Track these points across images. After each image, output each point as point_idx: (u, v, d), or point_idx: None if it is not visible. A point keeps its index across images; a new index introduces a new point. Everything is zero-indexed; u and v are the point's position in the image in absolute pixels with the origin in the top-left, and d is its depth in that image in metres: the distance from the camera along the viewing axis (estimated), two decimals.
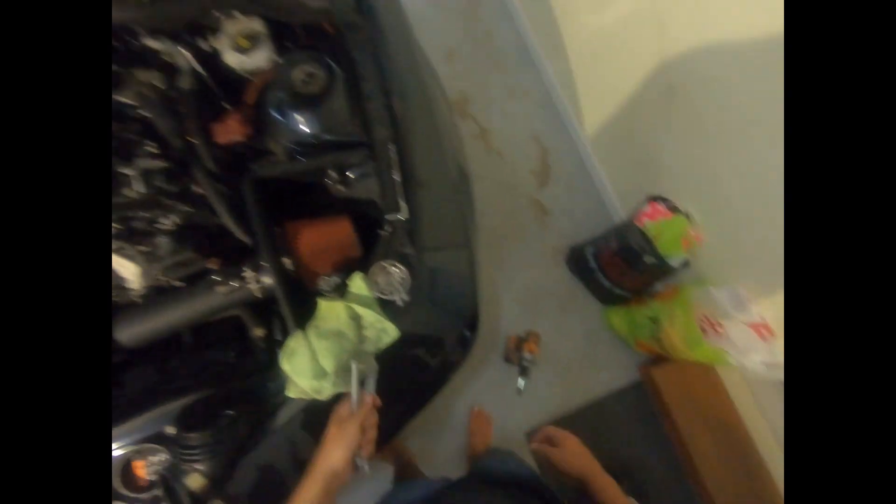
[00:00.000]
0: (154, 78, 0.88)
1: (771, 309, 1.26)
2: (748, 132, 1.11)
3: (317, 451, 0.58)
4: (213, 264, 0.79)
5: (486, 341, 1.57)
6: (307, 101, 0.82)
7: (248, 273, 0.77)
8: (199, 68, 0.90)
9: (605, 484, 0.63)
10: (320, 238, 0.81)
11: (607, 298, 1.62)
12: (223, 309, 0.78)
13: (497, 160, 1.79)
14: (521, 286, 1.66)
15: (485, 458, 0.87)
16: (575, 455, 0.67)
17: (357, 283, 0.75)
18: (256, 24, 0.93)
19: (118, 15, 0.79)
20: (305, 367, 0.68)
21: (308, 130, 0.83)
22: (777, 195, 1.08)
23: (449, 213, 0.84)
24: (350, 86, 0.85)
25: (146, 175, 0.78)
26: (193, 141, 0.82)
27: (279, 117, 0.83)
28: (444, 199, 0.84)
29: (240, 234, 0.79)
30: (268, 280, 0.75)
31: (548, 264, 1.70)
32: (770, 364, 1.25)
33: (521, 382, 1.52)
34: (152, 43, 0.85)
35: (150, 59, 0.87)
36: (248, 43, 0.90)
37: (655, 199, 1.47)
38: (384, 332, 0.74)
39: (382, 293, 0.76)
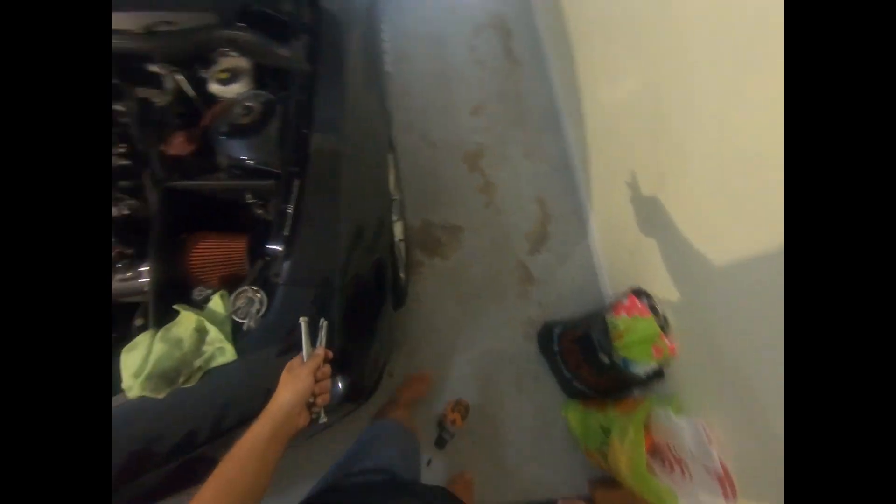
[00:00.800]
0: (153, 94, 1.06)
1: (734, 463, 1.02)
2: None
3: (273, 394, 0.59)
4: (121, 253, 0.89)
5: (425, 399, 1.49)
6: (240, 130, 0.91)
7: (144, 269, 0.86)
8: (190, 91, 1.07)
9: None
10: (213, 252, 0.88)
11: (568, 389, 1.45)
12: (116, 294, 0.87)
13: (494, 215, 1.76)
14: (482, 350, 1.56)
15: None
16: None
17: (216, 301, 0.79)
18: (243, 62, 1.08)
19: (137, 45, 0.98)
20: (133, 363, 0.73)
21: (237, 155, 0.92)
22: (771, 337, 0.88)
23: (329, 256, 0.85)
24: (283, 123, 0.93)
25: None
26: (150, 149, 0.96)
27: (222, 140, 0.94)
28: (330, 240, 0.86)
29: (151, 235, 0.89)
30: (147, 282, 0.83)
31: (517, 335, 1.59)
32: None
33: (426, 459, 1.40)
34: (156, 67, 1.04)
35: (152, 80, 1.06)
36: (227, 75, 1.04)
37: (637, 292, 1.31)
38: (222, 351, 0.76)
39: (236, 315, 0.79)
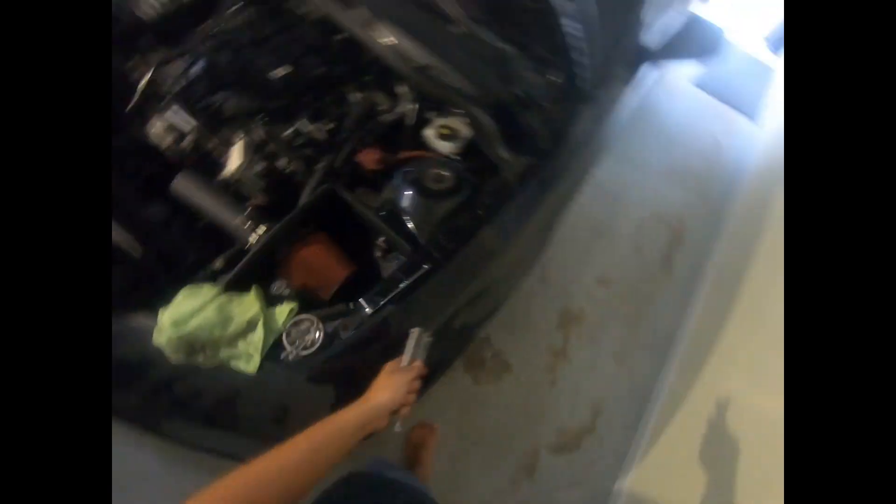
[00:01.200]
0: (382, 103, 1.14)
1: None
2: None
3: (365, 394, 0.61)
4: (257, 201, 0.92)
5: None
6: (421, 186, 0.92)
7: (262, 228, 0.87)
8: (411, 122, 1.12)
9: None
10: (319, 258, 0.87)
11: None
12: (224, 228, 0.89)
13: (546, 384, 1.62)
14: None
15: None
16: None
17: (283, 309, 0.77)
18: (466, 131, 1.12)
19: (407, 72, 1.06)
20: (181, 311, 0.71)
21: (400, 203, 0.93)
22: None
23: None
24: (459, 207, 0.93)
25: (303, 135, 0.99)
26: (347, 142, 1.01)
27: (398, 182, 0.95)
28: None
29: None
30: (256, 240, 0.84)
31: None
32: None
33: None
34: (403, 90, 1.12)
35: (390, 93, 1.14)
36: (447, 132, 1.09)
37: None
38: (249, 358, 0.72)
39: (286, 336, 0.75)
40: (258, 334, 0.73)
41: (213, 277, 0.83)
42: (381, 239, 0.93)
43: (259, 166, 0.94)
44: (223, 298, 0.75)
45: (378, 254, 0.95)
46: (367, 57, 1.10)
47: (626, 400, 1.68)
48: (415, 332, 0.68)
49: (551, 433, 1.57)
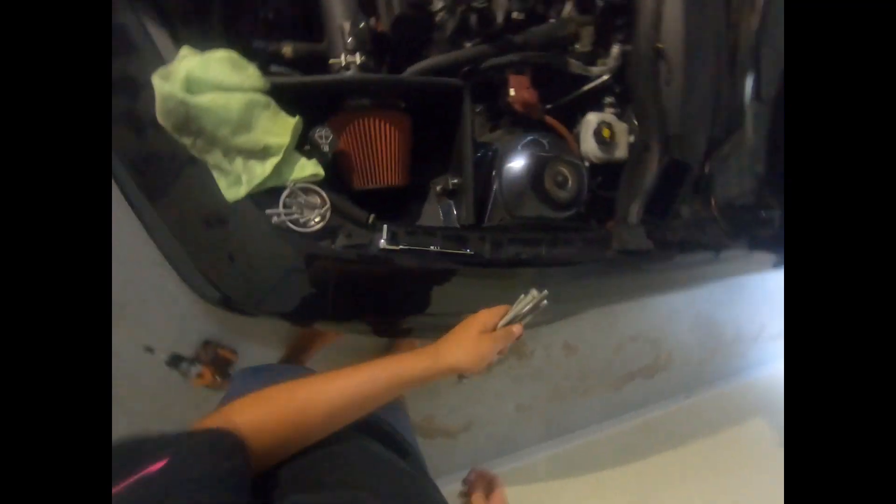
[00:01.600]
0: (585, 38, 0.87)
1: None
2: None
3: (443, 345, 0.50)
4: (378, 24, 0.70)
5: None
6: (531, 174, 0.72)
7: (360, 57, 0.67)
8: (583, 71, 0.87)
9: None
10: (384, 141, 0.68)
11: None
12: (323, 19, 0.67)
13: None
14: None
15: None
16: None
17: (307, 164, 0.60)
18: (623, 146, 0.89)
19: None
20: (209, 77, 0.53)
21: (501, 169, 0.74)
22: None
23: None
24: (545, 224, 0.76)
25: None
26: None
27: (517, 144, 0.75)
28: None
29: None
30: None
31: None
32: None
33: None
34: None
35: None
36: (608, 134, 0.86)
37: None
38: (234, 182, 0.57)
39: (287, 194, 0.60)
40: (265, 167, 0.57)
41: (264, 61, 0.64)
42: (455, 181, 0.75)
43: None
44: (261, 98, 0.57)
45: (437, 188, 0.78)
46: None
47: (493, 441, 1.72)
48: (534, 294, 0.54)
49: (422, 414, 1.59)
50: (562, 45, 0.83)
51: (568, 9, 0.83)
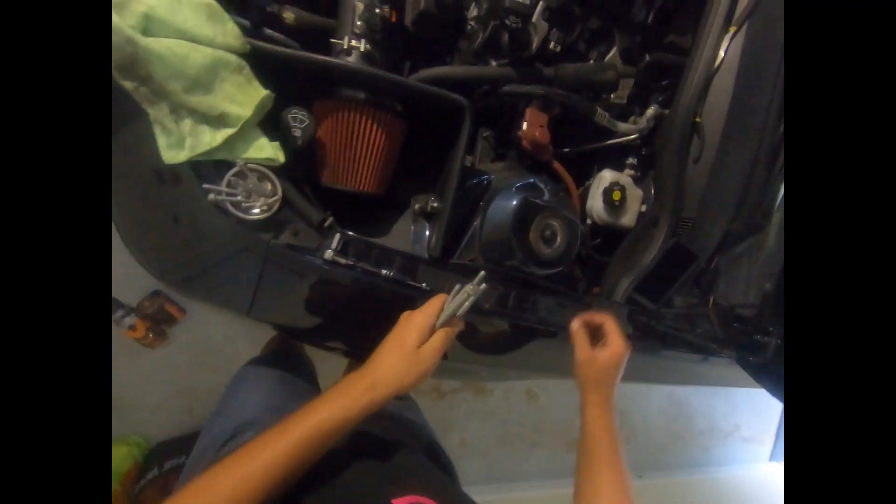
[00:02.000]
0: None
1: None
2: None
3: (369, 367, 0.45)
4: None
5: None
6: (517, 220, 0.65)
7: (366, 45, 0.59)
8: (609, 125, 0.79)
9: (598, 416, 0.53)
10: (369, 140, 0.61)
11: None
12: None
13: None
14: None
15: None
16: (599, 367, 0.55)
17: (266, 145, 0.53)
18: (634, 214, 0.81)
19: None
20: (173, 20, 0.46)
21: (488, 208, 0.66)
22: None
23: None
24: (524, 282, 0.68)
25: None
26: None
27: (510, 186, 0.67)
28: None
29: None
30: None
31: None
32: None
33: None
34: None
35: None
36: (618, 196, 0.78)
37: None
38: (176, 143, 0.50)
39: (234, 173, 0.52)
40: (215, 137, 0.50)
41: (260, 20, 0.57)
42: (433, 200, 0.67)
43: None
44: (232, 60, 0.50)
45: (416, 206, 0.70)
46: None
47: None
48: (468, 292, 0.48)
49: None
50: (594, 90, 0.75)
51: (612, 53, 0.76)
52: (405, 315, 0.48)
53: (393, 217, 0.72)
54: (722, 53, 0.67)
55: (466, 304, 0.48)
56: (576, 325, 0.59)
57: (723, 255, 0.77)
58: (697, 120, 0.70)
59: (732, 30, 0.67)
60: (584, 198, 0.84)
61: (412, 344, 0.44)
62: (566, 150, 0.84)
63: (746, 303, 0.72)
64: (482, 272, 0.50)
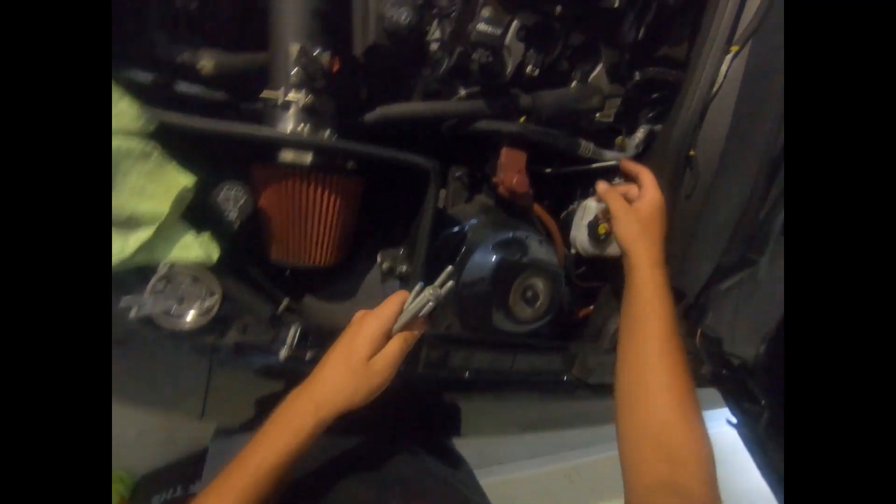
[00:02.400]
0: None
1: None
2: None
3: (315, 381, 0.41)
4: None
5: None
6: (496, 282, 0.59)
7: (309, 97, 0.49)
8: (595, 155, 0.72)
9: (651, 278, 0.50)
10: (319, 211, 0.52)
11: None
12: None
13: None
14: None
15: None
16: (643, 215, 0.53)
17: (193, 242, 0.45)
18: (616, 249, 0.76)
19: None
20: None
21: (465, 262, 0.59)
22: None
23: None
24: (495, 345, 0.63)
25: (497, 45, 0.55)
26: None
27: (489, 243, 0.60)
28: None
29: None
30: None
31: None
32: None
33: None
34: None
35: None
36: (603, 231, 0.72)
37: None
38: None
39: (158, 278, 0.44)
40: (126, 245, 0.41)
41: (170, 74, 0.46)
42: (401, 261, 0.60)
43: (402, 12, 0.51)
44: (135, 146, 0.40)
45: (384, 266, 0.63)
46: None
47: None
48: (429, 291, 0.43)
49: None
50: (579, 115, 0.66)
51: (598, 71, 0.66)
52: (357, 316, 0.43)
53: (359, 270, 0.65)
54: (721, 77, 0.59)
55: (429, 305, 0.42)
56: (602, 185, 0.59)
57: (713, 288, 0.73)
58: (692, 154, 0.62)
59: (734, 49, 0.58)
60: (566, 223, 0.78)
61: (362, 355, 0.40)
62: (548, 170, 0.76)
63: (733, 342, 0.69)
64: (449, 267, 0.44)
